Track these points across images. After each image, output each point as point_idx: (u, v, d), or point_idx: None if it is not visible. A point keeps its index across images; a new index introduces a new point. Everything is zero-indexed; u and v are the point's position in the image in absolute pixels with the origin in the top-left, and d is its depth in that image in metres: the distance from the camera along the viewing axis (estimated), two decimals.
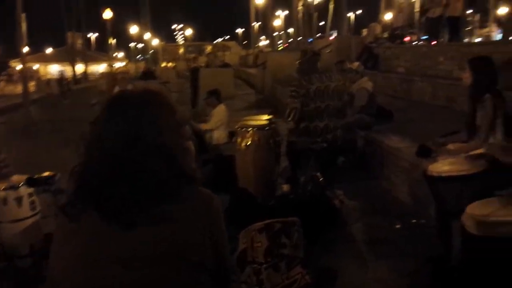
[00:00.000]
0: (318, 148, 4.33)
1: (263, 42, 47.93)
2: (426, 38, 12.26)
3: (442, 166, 3.09)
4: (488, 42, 9.86)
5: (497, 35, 15.22)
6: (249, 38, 49.86)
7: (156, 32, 61.17)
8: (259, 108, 10.68)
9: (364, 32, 14.75)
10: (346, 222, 3.94)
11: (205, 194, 1.27)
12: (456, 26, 10.15)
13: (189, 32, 70.92)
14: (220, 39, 61.20)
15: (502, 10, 17.02)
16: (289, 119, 4.31)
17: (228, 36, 71.67)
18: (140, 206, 1.15)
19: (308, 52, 4.78)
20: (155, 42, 57.83)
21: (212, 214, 1.26)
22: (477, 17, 13.90)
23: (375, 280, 3.06)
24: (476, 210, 2.28)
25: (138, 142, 1.18)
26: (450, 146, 3.58)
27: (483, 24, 17.11)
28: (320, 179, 4.16)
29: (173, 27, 79.84)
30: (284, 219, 3.09)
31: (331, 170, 4.61)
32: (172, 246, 1.16)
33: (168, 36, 74.38)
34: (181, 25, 76.49)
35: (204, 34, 70.71)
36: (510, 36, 10.04)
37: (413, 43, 12.95)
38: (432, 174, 3.04)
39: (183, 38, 72.77)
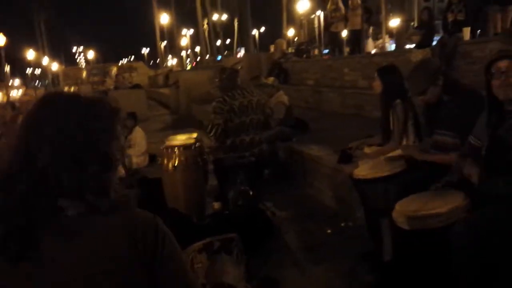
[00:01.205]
0: (246, 162, 4.40)
1: (171, 61, 47.61)
2: (328, 52, 13.05)
3: (366, 169, 3.30)
4: (386, 52, 10.77)
5: (391, 46, 16.59)
6: (156, 57, 49.25)
7: (55, 56, 58.07)
8: (176, 128, 10.56)
9: (272, 48, 15.30)
10: (280, 232, 4.04)
11: (141, 214, 1.15)
12: (357, 39, 10.93)
13: (91, 54, 68.23)
14: (125, 60, 59.71)
15: (394, 23, 18.68)
16: (211, 134, 4.33)
17: (133, 57, 70.10)
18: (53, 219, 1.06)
19: (227, 69, 4.86)
20: (55, 66, 54.82)
21: (152, 233, 1.12)
22: (371, 29, 15.10)
23: (315, 284, 3.17)
24: (405, 206, 2.48)
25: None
26: (367, 150, 3.85)
27: (376, 36, 18.55)
28: (251, 193, 4.23)
29: (73, 50, 76.31)
30: (222, 236, 3.09)
31: (259, 183, 4.70)
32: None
33: (69, 59, 70.95)
34: (82, 47, 73.44)
35: (107, 55, 68.40)
36: (402, 45, 11.03)
37: (316, 57, 13.68)
38: (359, 177, 3.24)
39: (85, 61, 69.79)
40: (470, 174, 2.33)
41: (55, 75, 51.03)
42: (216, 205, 4.47)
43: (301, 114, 7.63)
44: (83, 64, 65.78)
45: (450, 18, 6.82)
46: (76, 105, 1.14)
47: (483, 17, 6.84)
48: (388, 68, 3.86)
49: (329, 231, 4.05)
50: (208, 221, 3.87)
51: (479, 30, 7.33)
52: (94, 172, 1.09)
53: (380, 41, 16.77)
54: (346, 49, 11.84)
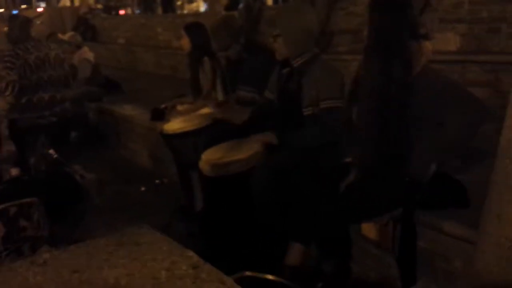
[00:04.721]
0: (46, 122, 4.01)
1: None
2: (140, 12, 12.56)
3: (176, 124, 3.34)
4: (197, 13, 10.88)
5: (203, 9, 16.83)
6: None
7: None
8: None
9: (77, 1, 14.02)
10: (92, 195, 3.83)
11: None
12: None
13: None
14: None
15: None
16: (7, 93, 3.81)
17: None
18: None
19: (19, 16, 4.27)
20: None
21: None
22: None
23: None
24: (210, 155, 2.59)
25: None
26: (179, 107, 3.88)
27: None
28: (55, 156, 3.90)
29: None
30: (19, 201, 2.84)
31: (65, 146, 4.37)
32: None
33: None
34: None
35: None
36: (214, 8, 11.28)
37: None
38: (168, 132, 3.26)
39: None
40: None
41: None
42: (14, 171, 3.98)
43: (113, 74, 7.24)
44: None
45: None
46: None
47: None
48: (194, 25, 3.88)
49: (143, 189, 4.01)
50: (3, 187, 3.44)
51: None
52: None
53: (195, 4, 16.87)
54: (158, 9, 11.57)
